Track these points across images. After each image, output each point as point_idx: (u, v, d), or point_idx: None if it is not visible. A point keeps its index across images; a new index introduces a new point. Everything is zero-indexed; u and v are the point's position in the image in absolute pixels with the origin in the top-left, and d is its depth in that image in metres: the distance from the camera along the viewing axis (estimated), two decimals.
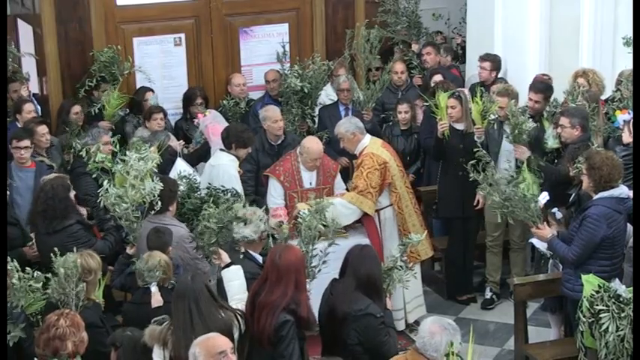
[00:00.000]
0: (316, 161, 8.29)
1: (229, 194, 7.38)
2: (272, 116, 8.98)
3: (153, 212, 6.95)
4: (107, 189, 6.77)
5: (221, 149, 8.37)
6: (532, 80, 9.03)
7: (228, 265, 6.25)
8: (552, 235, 6.99)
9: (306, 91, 9.73)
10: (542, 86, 8.79)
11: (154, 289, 6.29)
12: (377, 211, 8.19)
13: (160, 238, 6.70)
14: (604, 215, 6.62)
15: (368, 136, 8.31)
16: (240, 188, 7.91)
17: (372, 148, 8.17)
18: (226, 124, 9.04)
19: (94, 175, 7.40)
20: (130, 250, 6.86)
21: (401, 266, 6.25)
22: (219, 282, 6.27)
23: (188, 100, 9.98)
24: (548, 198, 7.33)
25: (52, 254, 6.00)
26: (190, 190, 7.63)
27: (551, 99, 8.90)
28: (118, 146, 7.31)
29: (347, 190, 8.33)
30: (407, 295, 8.19)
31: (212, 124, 9.04)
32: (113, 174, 6.98)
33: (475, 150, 7.86)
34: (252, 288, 5.77)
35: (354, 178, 8.17)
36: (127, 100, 9.60)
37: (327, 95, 10.26)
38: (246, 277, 6.13)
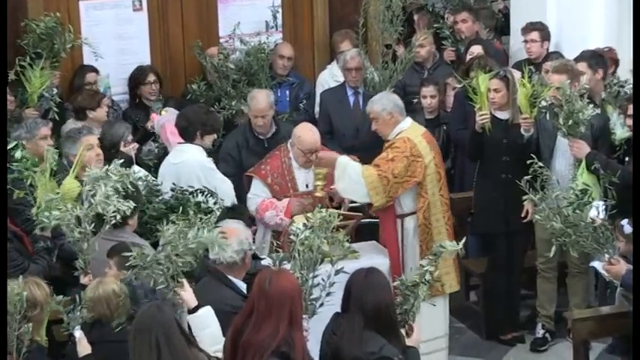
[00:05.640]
0: (310, 155, 8.17)
1: (201, 195, 7.56)
2: (254, 107, 8.80)
3: (108, 227, 6.82)
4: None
5: (180, 142, 8.42)
6: None
7: (195, 309, 6.14)
8: (627, 270, 6.97)
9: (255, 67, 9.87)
10: (586, 53, 8.83)
11: (77, 334, 6.14)
12: (399, 217, 8.14)
13: None
14: None
15: (409, 120, 8.25)
16: (220, 184, 8.09)
17: (410, 133, 8.10)
18: None
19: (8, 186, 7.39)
20: (84, 280, 6.76)
21: (428, 280, 6.22)
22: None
23: (136, 80, 9.92)
24: (603, 207, 7.38)
25: None
26: (150, 194, 7.73)
27: (613, 76, 9.01)
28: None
29: None
30: (424, 334, 7.81)
31: (170, 122, 8.91)
32: (33, 186, 7.13)
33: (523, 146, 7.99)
34: (234, 323, 5.63)
35: (377, 158, 8.08)
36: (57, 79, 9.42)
37: (332, 75, 10.25)
38: (226, 312, 6.11)
